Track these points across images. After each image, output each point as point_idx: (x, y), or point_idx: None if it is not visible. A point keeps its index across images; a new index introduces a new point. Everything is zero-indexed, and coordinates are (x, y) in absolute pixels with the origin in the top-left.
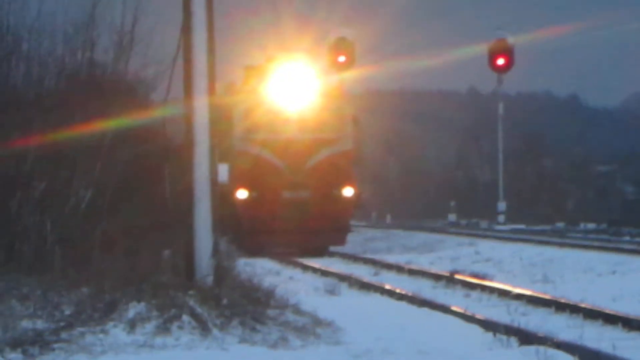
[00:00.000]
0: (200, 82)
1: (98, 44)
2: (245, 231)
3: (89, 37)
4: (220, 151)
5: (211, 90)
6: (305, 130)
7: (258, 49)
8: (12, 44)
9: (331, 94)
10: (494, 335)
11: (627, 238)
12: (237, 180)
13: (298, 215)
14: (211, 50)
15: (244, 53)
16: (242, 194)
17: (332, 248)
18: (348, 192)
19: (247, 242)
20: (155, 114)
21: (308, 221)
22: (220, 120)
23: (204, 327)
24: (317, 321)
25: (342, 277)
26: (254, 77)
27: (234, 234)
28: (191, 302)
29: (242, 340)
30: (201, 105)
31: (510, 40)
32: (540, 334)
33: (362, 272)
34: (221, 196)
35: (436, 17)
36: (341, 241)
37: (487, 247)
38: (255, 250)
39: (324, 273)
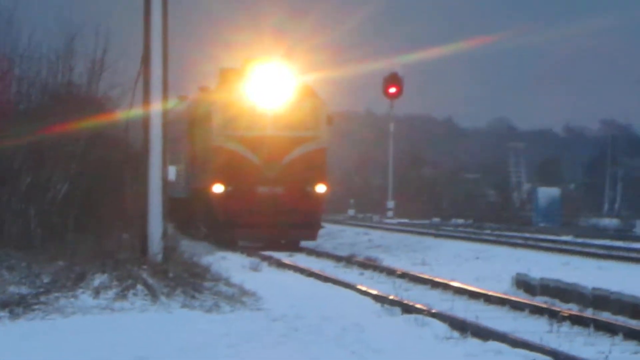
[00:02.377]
0: (155, 102)
1: (75, 69)
2: (221, 224)
3: (68, 63)
4: (199, 146)
5: (164, 109)
6: (281, 128)
7: (234, 52)
8: (6, 67)
9: (306, 93)
10: (382, 305)
11: (488, 231)
12: (214, 175)
13: (272, 210)
14: (165, 78)
15: (218, 57)
16: (218, 188)
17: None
18: (321, 188)
19: (222, 234)
20: (119, 125)
21: (281, 216)
22: (199, 118)
23: (154, 295)
24: (243, 292)
25: (264, 258)
26: (229, 79)
27: (210, 226)
28: (144, 275)
29: (184, 306)
30: (156, 120)
31: (400, 73)
32: (419, 306)
33: (280, 254)
34: (198, 190)
35: (345, 44)
36: (312, 236)
37: (378, 236)
38: (230, 243)
39: (249, 254)
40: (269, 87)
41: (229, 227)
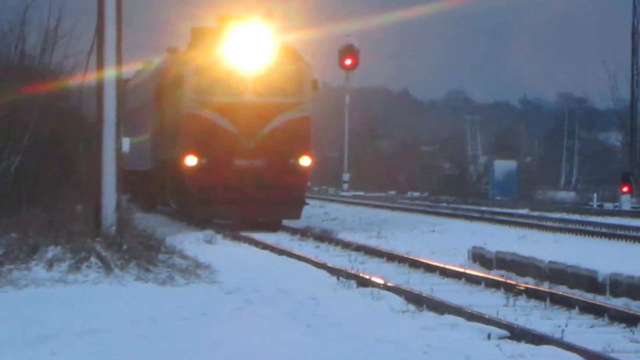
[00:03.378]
0: (109, 71)
1: (28, 39)
2: (193, 200)
3: (21, 34)
4: (168, 114)
5: (119, 79)
6: (261, 93)
7: (208, 11)
8: None
9: (289, 55)
10: (338, 279)
11: (444, 204)
12: (186, 145)
13: (251, 185)
14: (119, 47)
15: (191, 15)
16: (191, 160)
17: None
18: (305, 161)
19: (195, 211)
20: (73, 96)
21: (261, 192)
22: (169, 83)
23: (107, 267)
24: (198, 264)
25: (218, 230)
26: (203, 40)
27: (181, 202)
28: (98, 247)
29: (138, 279)
30: (109, 89)
31: (356, 44)
32: (375, 279)
33: (235, 227)
34: (168, 163)
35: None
36: (296, 215)
37: (334, 209)
38: (204, 221)
39: (203, 227)
40: (248, 47)
41: (202, 203)
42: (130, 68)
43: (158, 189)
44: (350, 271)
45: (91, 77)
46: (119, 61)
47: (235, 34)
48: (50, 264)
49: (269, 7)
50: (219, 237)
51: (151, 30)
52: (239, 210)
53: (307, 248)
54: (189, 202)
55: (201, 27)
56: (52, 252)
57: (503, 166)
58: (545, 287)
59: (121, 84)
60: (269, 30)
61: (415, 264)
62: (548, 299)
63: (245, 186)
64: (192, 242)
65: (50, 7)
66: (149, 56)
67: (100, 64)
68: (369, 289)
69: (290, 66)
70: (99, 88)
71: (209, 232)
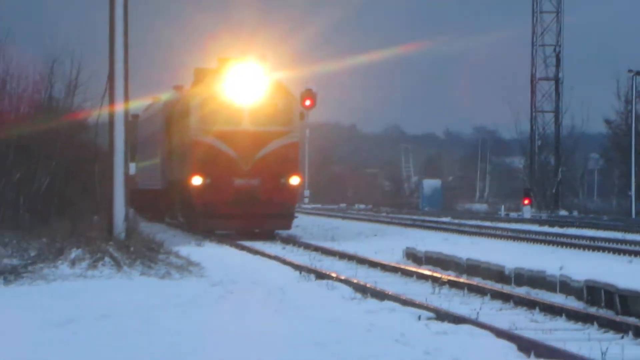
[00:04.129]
0: (119, 112)
1: (55, 86)
2: (199, 214)
3: (49, 82)
4: (177, 141)
5: (126, 120)
6: (256, 123)
7: (207, 56)
8: (0, 85)
9: (280, 90)
10: (300, 273)
11: (384, 214)
12: (193, 167)
13: (248, 201)
14: (126, 93)
15: (192, 61)
16: (197, 180)
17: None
18: (294, 180)
19: (200, 224)
20: (90, 130)
21: (257, 207)
22: (177, 114)
23: (118, 265)
24: (190, 262)
25: (205, 236)
26: (205, 78)
27: (187, 216)
28: (110, 249)
29: (142, 274)
30: (119, 126)
31: (314, 88)
32: (329, 273)
33: (233, 237)
34: (176, 182)
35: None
36: (287, 226)
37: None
38: (207, 232)
39: (194, 233)
40: (244, 84)
41: (206, 217)
42: (142, 102)
43: (167, 204)
44: (310, 267)
45: (104, 115)
46: (126, 102)
47: (233, 72)
48: (73, 263)
49: (262, 50)
50: (207, 241)
51: (159, 70)
52: (237, 223)
53: (275, 249)
54: (195, 215)
55: (203, 67)
56: (74, 253)
57: (430, 184)
58: (463, 278)
59: (133, 118)
60: (262, 69)
61: (361, 261)
62: (466, 288)
63: (243, 202)
64: (185, 245)
65: (72, 61)
66: (158, 92)
67: (111, 105)
68: (324, 281)
69: (281, 100)
70: (111, 124)
71: (198, 237)
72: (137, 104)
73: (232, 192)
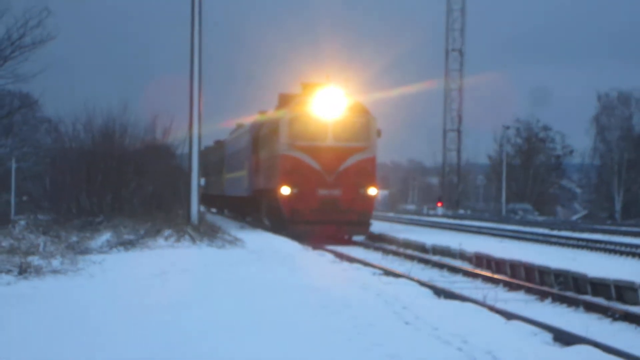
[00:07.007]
0: (194, 146)
1: (156, 131)
2: (287, 221)
3: (152, 128)
4: (265, 155)
5: (199, 152)
6: (339, 139)
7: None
8: (120, 130)
9: (359, 110)
10: (303, 246)
11: None
12: (282, 178)
13: (330, 209)
14: (199, 132)
15: (279, 84)
16: (285, 190)
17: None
18: (372, 191)
19: (288, 229)
20: (178, 157)
21: (338, 214)
22: (266, 132)
23: (193, 240)
24: (237, 239)
25: (246, 223)
26: (289, 102)
27: (274, 221)
28: (189, 230)
29: (208, 245)
30: (195, 155)
31: None
32: (327, 247)
33: (252, 222)
34: (263, 191)
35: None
36: (365, 231)
37: None
38: (294, 237)
39: (240, 221)
40: (327, 105)
41: (293, 223)
42: (229, 125)
43: (252, 209)
44: (309, 243)
45: (186, 149)
46: (199, 139)
47: (317, 94)
48: (166, 238)
49: (346, 74)
50: (247, 226)
51: (244, 97)
52: (321, 228)
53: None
54: (282, 221)
55: (286, 93)
56: (167, 232)
57: (382, 193)
58: (401, 250)
59: (218, 144)
60: (343, 92)
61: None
62: (402, 256)
63: (325, 210)
64: (234, 229)
65: (169, 115)
66: (243, 116)
67: (190, 143)
68: (318, 251)
69: (360, 118)
70: (190, 154)
71: (241, 224)
72: (225, 126)
73: (316, 201)
